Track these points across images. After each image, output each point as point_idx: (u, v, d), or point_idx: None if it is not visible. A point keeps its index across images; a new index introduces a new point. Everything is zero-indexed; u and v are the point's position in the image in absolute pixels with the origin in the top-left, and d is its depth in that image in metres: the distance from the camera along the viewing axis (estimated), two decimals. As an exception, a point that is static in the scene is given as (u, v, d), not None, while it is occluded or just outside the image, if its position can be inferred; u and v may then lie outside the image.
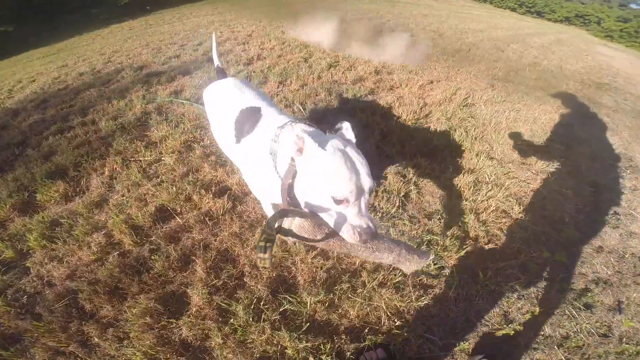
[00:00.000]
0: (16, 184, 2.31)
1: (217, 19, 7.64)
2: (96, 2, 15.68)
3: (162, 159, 2.28)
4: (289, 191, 1.01)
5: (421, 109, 2.95)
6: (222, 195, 1.91)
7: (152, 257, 1.61)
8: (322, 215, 0.94)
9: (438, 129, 2.69)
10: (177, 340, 1.33)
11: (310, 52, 4.23)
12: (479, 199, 1.94)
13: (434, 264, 1.62)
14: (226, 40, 4.96)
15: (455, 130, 2.67)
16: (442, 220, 1.80)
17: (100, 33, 9.93)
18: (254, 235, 1.66)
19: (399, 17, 8.42)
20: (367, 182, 0.94)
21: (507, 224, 1.84)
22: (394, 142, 2.43)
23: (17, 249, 1.83)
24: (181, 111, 2.81)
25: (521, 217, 1.89)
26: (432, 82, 3.68)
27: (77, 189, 2.19)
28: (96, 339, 1.36)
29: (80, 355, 1.34)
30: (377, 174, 2.09)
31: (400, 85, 3.49)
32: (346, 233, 0.91)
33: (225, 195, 1.88)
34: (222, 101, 1.55)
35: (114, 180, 2.20)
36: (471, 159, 2.31)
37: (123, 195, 2.04)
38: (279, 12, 7.93)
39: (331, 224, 0.93)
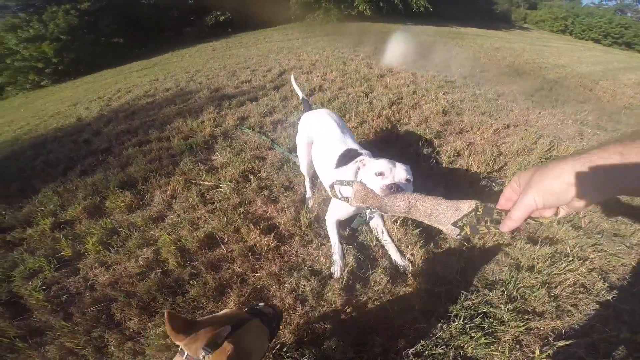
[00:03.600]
0: (92, 188, 2.51)
1: (286, 46, 7.99)
2: (188, 22, 17.61)
3: (220, 185, 2.31)
4: None
5: (495, 159, 2.53)
6: (269, 232, 1.85)
7: (190, 282, 1.60)
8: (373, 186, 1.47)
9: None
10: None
11: (371, 87, 4.11)
12: (554, 271, 1.61)
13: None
14: (292, 69, 5.09)
15: None
16: (505, 293, 1.51)
17: (189, 51, 11.00)
18: (292, 279, 1.58)
19: (468, 50, 8.05)
20: (400, 169, 1.51)
21: (584, 300, 1.54)
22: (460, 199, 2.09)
23: (76, 249, 1.94)
24: (245, 139, 2.87)
25: (604, 293, 1.57)
26: (508, 126, 3.21)
27: (141, 202, 2.29)
28: (112, 348, 1.36)
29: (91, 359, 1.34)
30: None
31: (472, 128, 3.08)
32: (378, 189, 1.42)
33: (272, 234, 1.82)
34: (323, 130, 1.95)
35: (174, 199, 2.26)
36: (551, 227, 1.90)
37: (179, 216, 2.08)
38: (342, 40, 8.09)
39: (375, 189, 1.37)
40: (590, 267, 1.67)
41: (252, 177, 2.32)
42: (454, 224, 0.90)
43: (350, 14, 15.87)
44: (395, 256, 1.73)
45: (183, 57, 10.01)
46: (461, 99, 3.83)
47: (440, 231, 1.77)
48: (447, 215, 0.96)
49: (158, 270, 1.70)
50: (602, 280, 1.62)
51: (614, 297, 1.55)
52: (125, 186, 2.49)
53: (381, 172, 1.53)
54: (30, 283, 1.74)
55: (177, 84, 5.37)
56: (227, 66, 6.19)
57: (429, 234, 1.80)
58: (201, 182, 2.39)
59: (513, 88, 4.63)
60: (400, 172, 1.55)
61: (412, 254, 1.66)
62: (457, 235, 0.85)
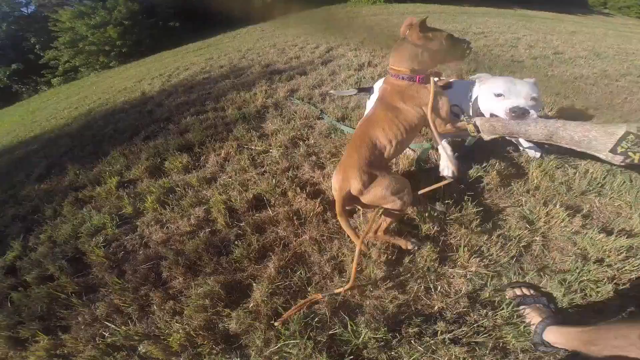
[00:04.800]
0: (154, 151, 2.71)
1: (332, 25, 7.99)
2: (237, 4, 18.03)
3: (270, 150, 2.40)
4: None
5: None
6: (315, 197, 1.85)
7: (235, 242, 1.62)
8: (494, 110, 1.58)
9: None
10: (221, 329, 1.30)
11: None
12: (627, 267, 1.37)
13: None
14: (339, 46, 5.06)
15: (615, 174, 1.87)
16: (564, 284, 1.31)
17: (239, 32, 11.33)
18: (332, 247, 1.56)
19: (537, 32, 7.33)
20: (522, 86, 1.51)
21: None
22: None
23: (136, 207, 2.05)
24: (294, 109, 2.94)
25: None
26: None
27: (197, 164, 2.41)
28: (155, 307, 1.41)
29: (133, 318, 1.39)
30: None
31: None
32: (502, 113, 1.45)
33: (318, 199, 1.82)
34: None
35: (227, 162, 2.37)
36: (632, 219, 1.61)
37: (230, 177, 2.15)
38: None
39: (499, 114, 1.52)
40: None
41: (301, 143, 2.39)
42: (613, 150, 0.79)
43: None
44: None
45: (234, 37, 10.35)
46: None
47: (501, 210, 1.72)
48: (601, 141, 0.86)
49: (207, 230, 1.75)
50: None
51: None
52: (183, 149, 2.65)
53: (500, 94, 1.50)
54: (93, 240, 1.86)
55: (231, 62, 5.60)
56: (276, 44, 6.31)
57: (488, 212, 1.67)
58: (252, 147, 2.50)
59: (594, 71, 4.15)
60: (522, 90, 1.48)
61: (465, 233, 1.54)
62: (622, 162, 0.77)
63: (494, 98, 1.58)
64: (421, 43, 1.47)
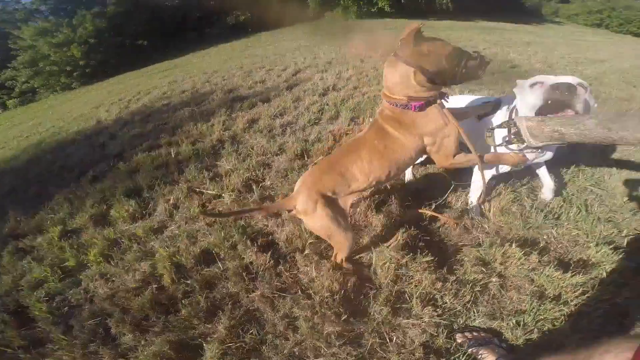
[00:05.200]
0: (100, 196, 2.47)
1: (303, 44, 7.85)
2: (210, 22, 17.87)
3: (222, 195, 2.20)
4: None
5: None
6: (267, 249, 1.69)
7: (183, 301, 1.49)
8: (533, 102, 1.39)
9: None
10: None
11: None
12: (584, 302, 1.33)
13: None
14: (307, 67, 4.94)
15: (571, 202, 1.87)
16: (521, 326, 1.26)
17: (209, 52, 11.11)
18: (284, 303, 1.42)
19: (495, 45, 7.58)
20: (561, 78, 1.38)
21: (615, 334, 1.30)
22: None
23: (79, 260, 1.89)
24: (252, 143, 2.75)
25: None
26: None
27: (144, 212, 2.21)
28: None
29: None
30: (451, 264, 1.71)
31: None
32: (541, 98, 1.34)
33: (269, 252, 1.65)
34: None
35: (177, 209, 2.17)
36: (589, 248, 1.58)
37: (179, 227, 1.97)
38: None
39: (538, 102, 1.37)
40: (629, 296, 1.37)
41: (254, 186, 2.18)
42: None
43: (370, 10, 15.49)
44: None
45: (203, 57, 10.12)
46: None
47: (458, 250, 1.58)
48: None
49: (154, 286, 1.60)
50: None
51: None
52: (132, 194, 2.43)
53: (534, 83, 1.37)
54: (35, 293, 1.72)
55: (194, 86, 5.36)
56: (244, 66, 6.14)
57: (444, 254, 1.59)
58: (204, 191, 2.28)
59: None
60: (563, 78, 1.36)
61: (419, 281, 1.42)
62: None
63: (530, 91, 1.40)
64: (416, 61, 1.20)
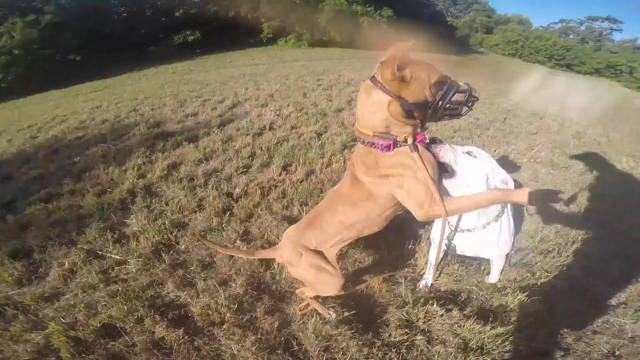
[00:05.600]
0: None
1: (249, 72, 7.65)
2: (155, 40, 16.93)
3: (128, 261, 1.87)
4: None
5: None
6: (179, 324, 1.49)
7: None
8: None
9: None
10: None
11: (326, 125, 3.74)
12: (507, 349, 1.42)
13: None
14: (247, 100, 4.69)
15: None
16: None
17: (147, 73, 10.42)
18: None
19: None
20: None
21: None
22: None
23: None
24: (169, 196, 2.41)
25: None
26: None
27: (33, 276, 1.87)
28: None
29: None
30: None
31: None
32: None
33: (181, 329, 1.45)
34: None
35: (74, 274, 1.85)
36: (506, 295, 1.69)
37: (76, 295, 1.70)
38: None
39: None
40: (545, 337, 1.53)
41: (165, 255, 1.87)
42: None
43: (322, 39, 15.90)
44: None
45: (140, 79, 9.45)
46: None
47: (384, 309, 1.61)
48: None
49: (52, 358, 1.41)
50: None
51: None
52: (20, 254, 2.04)
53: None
54: None
55: (118, 114, 4.81)
56: (179, 94, 5.72)
57: (369, 315, 1.55)
58: (107, 255, 1.94)
59: (469, 121, 4.46)
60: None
61: (346, 348, 1.39)
62: None
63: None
64: (395, 88, 0.98)
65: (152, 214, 2.23)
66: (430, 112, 1.04)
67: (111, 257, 1.93)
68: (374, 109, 1.04)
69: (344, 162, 2.85)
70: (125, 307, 1.57)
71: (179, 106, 4.73)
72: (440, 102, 1.01)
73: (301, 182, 2.51)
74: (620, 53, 29.59)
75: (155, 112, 4.56)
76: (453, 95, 1.01)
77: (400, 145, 1.08)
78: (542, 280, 1.87)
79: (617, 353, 1.56)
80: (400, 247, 1.98)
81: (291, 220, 2.05)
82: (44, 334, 1.50)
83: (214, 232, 2.04)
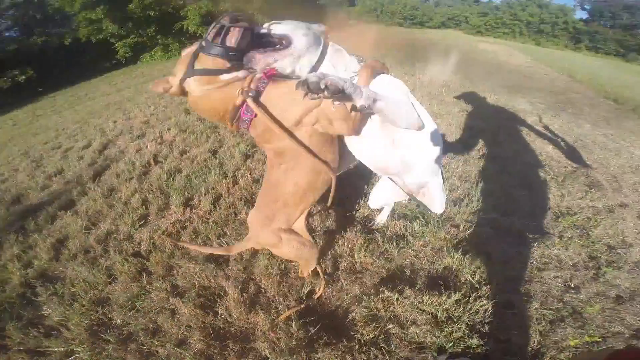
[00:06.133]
0: None
1: (113, 100, 6.71)
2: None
3: (75, 349, 1.64)
4: None
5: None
6: None
7: None
8: None
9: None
10: None
11: (220, 139, 3.53)
12: (475, 308, 1.59)
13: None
14: (118, 136, 4.16)
15: (412, 218, 2.21)
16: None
17: (-23, 132, 8.32)
18: None
19: None
20: None
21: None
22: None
23: None
24: (72, 277, 2.07)
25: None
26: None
27: None
28: None
29: None
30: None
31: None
32: None
33: None
34: None
35: None
36: (444, 256, 1.91)
37: None
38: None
39: None
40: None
41: (105, 335, 1.68)
42: None
43: (191, 43, 14.60)
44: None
45: (-30, 142, 7.47)
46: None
47: (346, 310, 1.66)
48: None
49: None
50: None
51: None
52: None
53: None
54: None
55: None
56: (30, 150, 4.76)
57: (335, 319, 1.53)
58: (49, 349, 1.69)
59: None
60: None
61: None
62: None
63: None
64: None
65: (64, 300, 1.94)
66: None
67: (55, 349, 1.67)
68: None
69: (251, 173, 2.81)
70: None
71: (36, 167, 3.95)
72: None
73: (210, 212, 2.40)
74: (455, 5, 34.75)
75: (8, 183, 3.73)
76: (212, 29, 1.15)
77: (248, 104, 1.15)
78: (468, 231, 2.08)
79: (572, 285, 1.78)
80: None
81: (213, 259, 2.00)
82: None
83: (140, 298, 1.86)
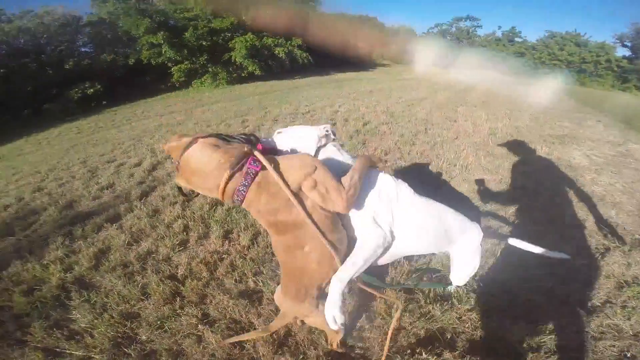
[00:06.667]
0: None
1: (165, 122, 7.28)
2: (49, 96, 15.01)
3: (92, 357, 1.68)
4: None
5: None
6: None
7: None
8: None
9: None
10: None
11: None
12: None
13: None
14: (167, 159, 4.41)
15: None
16: None
17: (48, 135, 9.20)
18: None
19: (347, 99, 8.50)
20: None
21: None
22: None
23: None
24: (108, 288, 2.15)
25: None
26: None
27: None
28: None
29: None
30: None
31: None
32: None
33: None
34: None
35: None
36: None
37: None
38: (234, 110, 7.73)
39: None
40: None
41: (127, 349, 1.70)
42: None
43: (241, 75, 15.71)
44: None
45: (40, 143, 8.30)
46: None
47: None
48: None
49: None
50: None
51: None
52: None
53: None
54: None
55: (20, 197, 4.13)
56: (88, 159, 5.16)
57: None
58: (69, 351, 1.74)
59: (395, 139, 4.83)
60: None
61: None
62: None
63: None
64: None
65: (96, 308, 2.00)
66: None
67: (75, 353, 1.72)
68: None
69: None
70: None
71: (91, 177, 4.26)
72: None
73: (248, 248, 2.41)
74: (488, 46, 34.89)
75: (65, 188, 4.03)
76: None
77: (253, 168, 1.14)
78: (520, 299, 1.95)
79: (629, 355, 1.62)
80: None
81: (247, 295, 1.99)
82: None
83: (170, 320, 1.87)
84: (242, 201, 1.14)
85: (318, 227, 1.16)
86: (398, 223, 1.33)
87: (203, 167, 1.09)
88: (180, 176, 1.16)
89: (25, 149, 8.17)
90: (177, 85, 14.83)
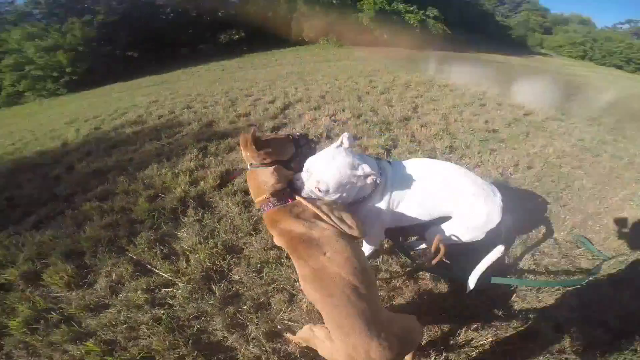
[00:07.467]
0: (37, 250, 2.07)
1: (296, 70, 7.44)
2: (203, 38, 17.36)
3: (177, 283, 1.71)
4: None
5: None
6: None
7: None
8: None
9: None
10: None
11: (394, 139, 3.13)
12: None
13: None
14: (298, 102, 4.42)
15: None
16: None
17: (199, 70, 10.59)
18: None
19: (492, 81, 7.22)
20: None
21: None
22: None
23: (1, 322, 1.64)
24: (222, 213, 2.19)
25: None
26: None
27: (82, 282, 1.83)
28: None
29: None
30: None
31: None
32: None
33: None
34: None
35: (121, 287, 1.76)
36: None
37: (120, 312, 1.61)
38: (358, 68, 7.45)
39: None
40: None
41: (215, 287, 1.67)
42: None
43: (366, 38, 15.07)
44: None
45: (192, 75, 9.60)
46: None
47: None
48: None
49: None
50: None
51: None
52: (72, 255, 2.01)
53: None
54: None
55: (172, 110, 4.79)
56: (230, 91, 5.61)
57: None
58: (155, 270, 1.82)
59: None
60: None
61: None
62: None
63: None
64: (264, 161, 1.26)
65: (204, 230, 2.05)
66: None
67: (160, 274, 1.80)
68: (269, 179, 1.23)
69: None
70: (167, 340, 1.44)
71: (231, 105, 4.60)
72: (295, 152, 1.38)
73: None
74: None
75: (208, 110, 4.46)
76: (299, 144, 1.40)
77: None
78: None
79: None
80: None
81: None
82: (81, 350, 1.45)
83: (270, 266, 1.76)
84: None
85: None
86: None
87: (259, 182, 1.24)
88: (247, 175, 1.30)
89: (182, 77, 9.56)
90: (305, 40, 15.18)
